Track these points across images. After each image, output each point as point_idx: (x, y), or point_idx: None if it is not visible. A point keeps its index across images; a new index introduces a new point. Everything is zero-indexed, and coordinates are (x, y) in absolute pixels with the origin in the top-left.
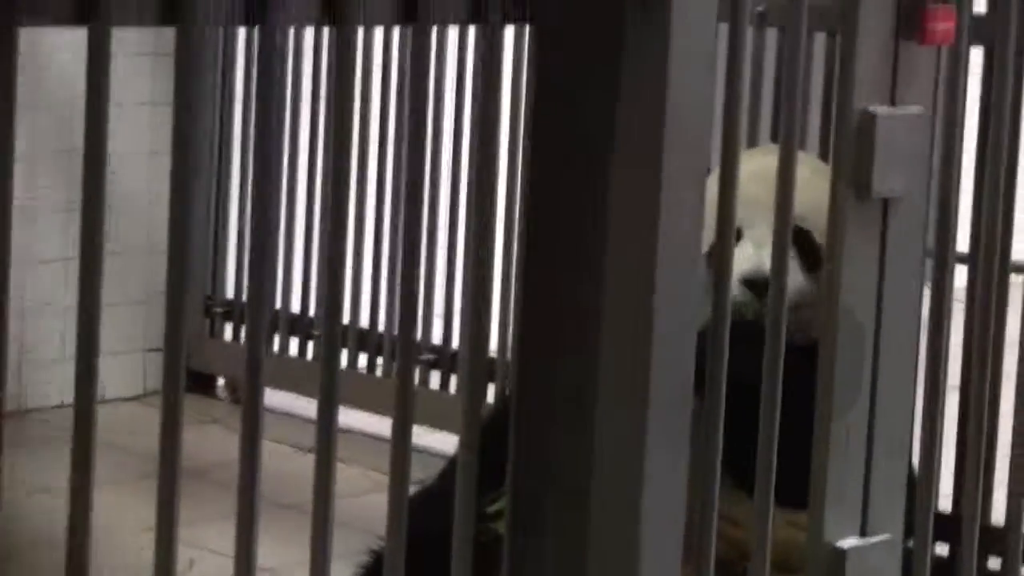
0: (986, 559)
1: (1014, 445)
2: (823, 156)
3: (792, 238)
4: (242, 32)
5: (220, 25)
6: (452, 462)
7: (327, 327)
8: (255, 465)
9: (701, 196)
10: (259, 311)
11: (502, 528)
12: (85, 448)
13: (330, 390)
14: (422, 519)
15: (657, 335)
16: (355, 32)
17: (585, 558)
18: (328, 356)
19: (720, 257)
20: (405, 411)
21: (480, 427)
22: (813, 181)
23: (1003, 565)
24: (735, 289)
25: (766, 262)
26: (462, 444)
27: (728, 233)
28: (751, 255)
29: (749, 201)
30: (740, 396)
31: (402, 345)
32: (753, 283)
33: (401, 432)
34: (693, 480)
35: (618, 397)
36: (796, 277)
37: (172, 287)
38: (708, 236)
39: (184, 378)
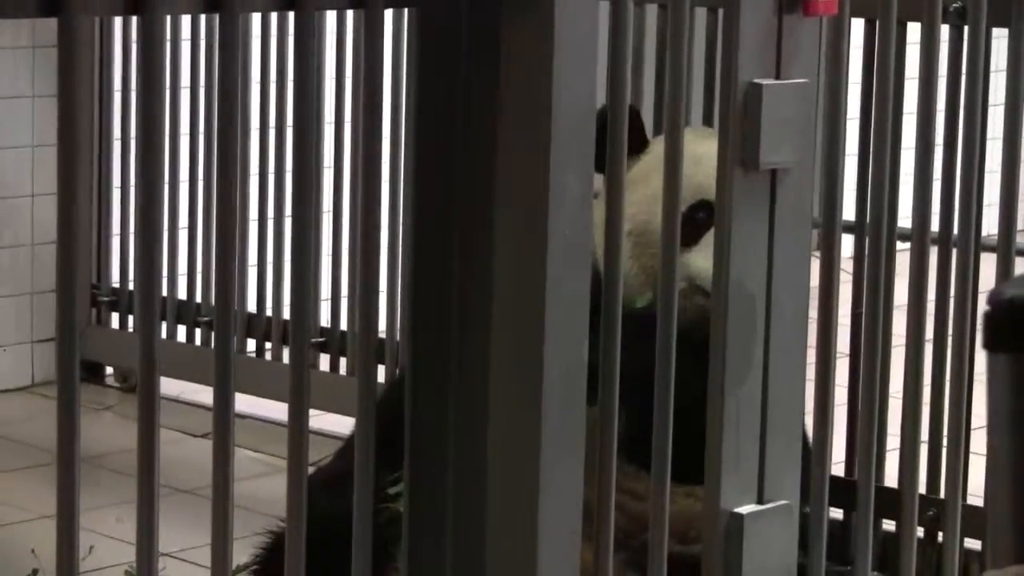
0: (880, 522)
1: None
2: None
3: None
4: (118, 22)
5: (100, 15)
6: (349, 443)
7: (219, 313)
8: (153, 451)
9: (589, 178)
10: (151, 298)
11: (403, 508)
12: None
13: (226, 374)
14: (321, 500)
15: (549, 315)
16: (237, 19)
17: (484, 536)
18: (222, 342)
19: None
20: (301, 393)
21: (376, 408)
22: None
23: (898, 527)
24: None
25: None
26: (358, 425)
27: (617, 227)
28: None
29: None
30: (637, 378)
31: (295, 328)
32: None
33: (297, 413)
34: (592, 455)
35: (512, 376)
36: None
37: (63, 277)
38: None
39: (79, 366)
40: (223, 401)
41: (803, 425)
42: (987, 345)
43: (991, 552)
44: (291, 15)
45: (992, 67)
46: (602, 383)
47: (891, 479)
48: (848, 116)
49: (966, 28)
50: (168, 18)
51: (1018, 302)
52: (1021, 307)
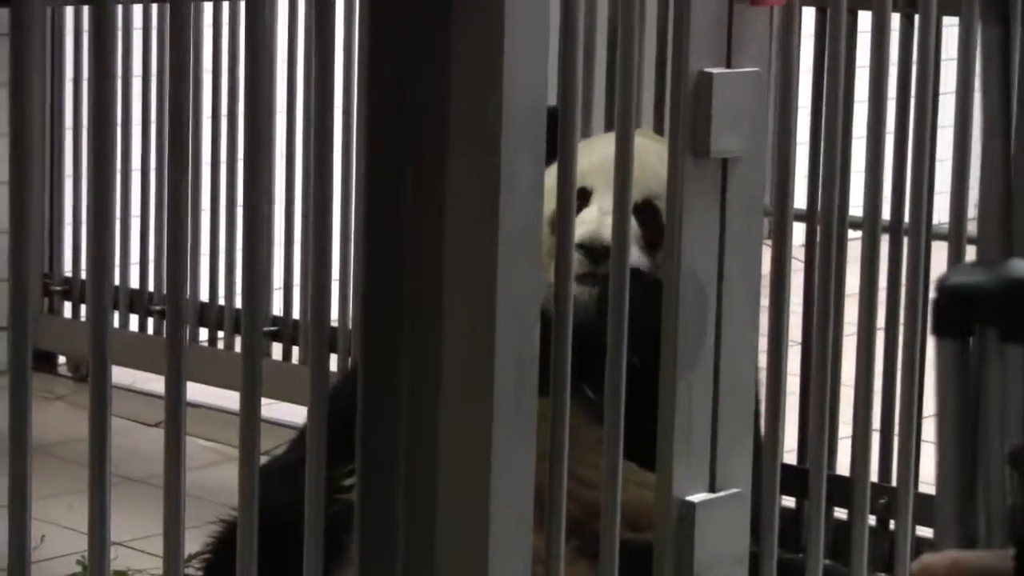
0: (832, 510)
1: None
2: (658, 119)
3: (639, 210)
4: (70, 10)
5: (52, 5)
6: (303, 432)
7: (171, 303)
8: (104, 439)
9: (541, 167)
10: (102, 287)
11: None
12: None
13: (178, 363)
14: (275, 489)
15: (500, 305)
16: (188, 6)
17: (435, 525)
18: (173, 331)
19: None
20: (253, 381)
21: (331, 398)
22: None
23: (850, 515)
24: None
25: (605, 229)
26: (310, 415)
27: (569, 203)
28: (594, 219)
29: (605, 167)
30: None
31: (247, 316)
32: (589, 248)
33: (249, 402)
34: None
35: (464, 365)
36: (633, 251)
37: (15, 267)
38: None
39: (31, 356)
40: (175, 389)
41: (757, 414)
42: (934, 331)
43: (936, 537)
44: (243, 2)
45: (943, 55)
46: (553, 372)
47: (843, 467)
48: (800, 105)
49: (917, 17)
50: (120, 7)
51: (964, 288)
52: (967, 293)
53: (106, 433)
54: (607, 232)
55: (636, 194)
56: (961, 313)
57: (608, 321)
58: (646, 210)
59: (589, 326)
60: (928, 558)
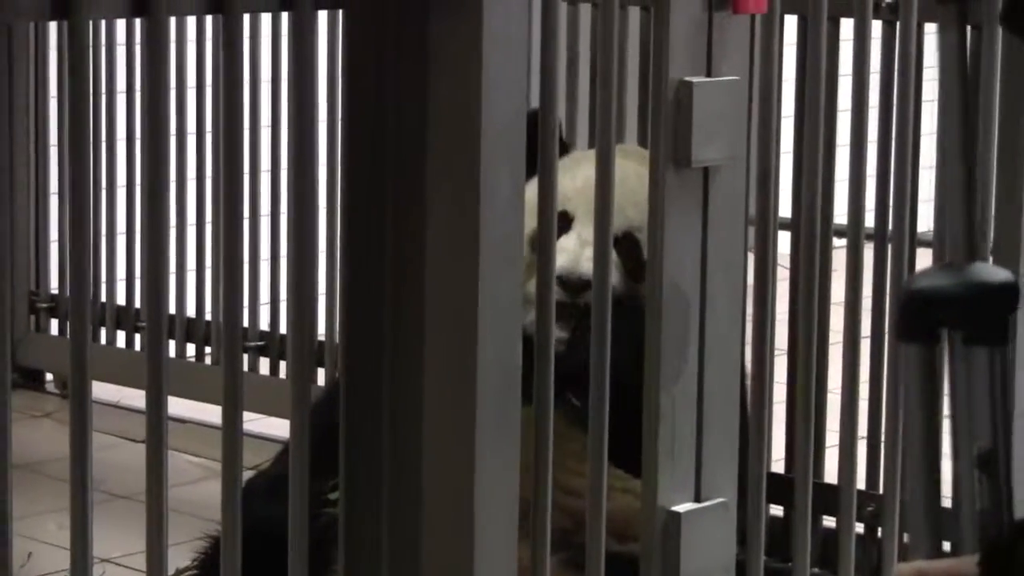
0: (820, 518)
1: None
2: (643, 129)
3: (618, 242)
4: (53, 27)
5: (26, 21)
6: (288, 446)
7: (151, 317)
8: (86, 456)
9: (520, 178)
10: (82, 306)
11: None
12: None
13: (158, 380)
14: (261, 503)
15: (482, 316)
16: (164, 22)
17: (420, 537)
18: (152, 346)
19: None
20: (234, 397)
21: (316, 412)
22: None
23: (838, 523)
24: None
25: (585, 262)
26: (293, 433)
27: (549, 225)
28: (572, 250)
29: (587, 192)
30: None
31: (227, 330)
32: (566, 281)
33: (231, 418)
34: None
35: (446, 376)
36: (613, 282)
37: None
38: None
39: (9, 374)
40: (156, 406)
41: (743, 423)
42: (900, 335)
43: (910, 545)
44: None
45: (925, 63)
46: (537, 382)
47: (831, 475)
48: (785, 114)
49: (899, 24)
50: (104, 22)
51: (928, 292)
52: (931, 297)
53: (87, 450)
54: (586, 265)
55: (616, 226)
56: (926, 317)
57: (591, 338)
58: (626, 242)
59: (569, 360)
60: (898, 568)
